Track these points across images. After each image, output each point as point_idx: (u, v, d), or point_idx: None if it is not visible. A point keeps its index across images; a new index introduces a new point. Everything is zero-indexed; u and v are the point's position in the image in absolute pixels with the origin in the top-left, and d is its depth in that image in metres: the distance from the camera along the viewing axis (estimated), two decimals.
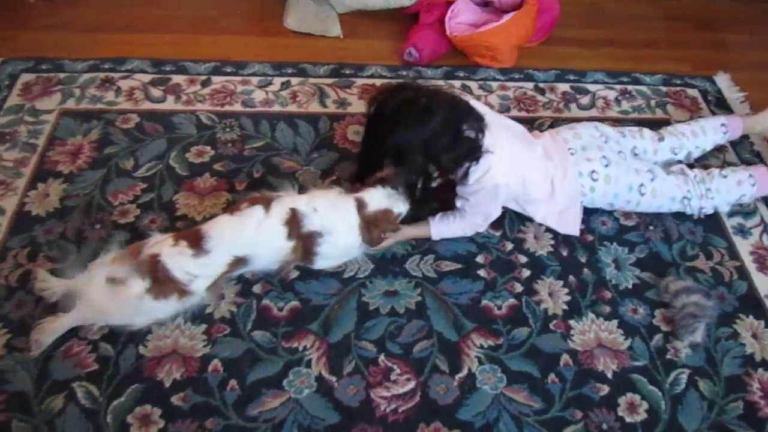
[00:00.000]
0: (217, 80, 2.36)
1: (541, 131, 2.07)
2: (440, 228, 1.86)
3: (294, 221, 1.63)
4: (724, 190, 1.98)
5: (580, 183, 1.89)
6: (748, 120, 2.21)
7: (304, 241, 1.65)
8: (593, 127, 2.02)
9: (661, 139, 2.07)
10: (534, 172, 1.85)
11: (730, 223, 2.05)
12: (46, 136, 2.09)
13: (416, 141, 1.63)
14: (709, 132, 2.12)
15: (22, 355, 1.56)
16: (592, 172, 1.88)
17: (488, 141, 1.71)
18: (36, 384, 1.53)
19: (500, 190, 1.76)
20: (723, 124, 2.14)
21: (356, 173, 1.88)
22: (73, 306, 1.59)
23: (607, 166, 1.89)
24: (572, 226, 1.93)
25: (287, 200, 1.65)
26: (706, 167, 2.08)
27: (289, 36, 2.64)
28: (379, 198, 1.73)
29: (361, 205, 1.70)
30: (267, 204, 1.63)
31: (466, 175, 1.74)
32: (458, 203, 1.84)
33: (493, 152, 1.71)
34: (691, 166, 2.06)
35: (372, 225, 1.71)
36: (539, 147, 1.90)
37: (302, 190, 1.76)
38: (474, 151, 1.70)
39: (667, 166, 2.04)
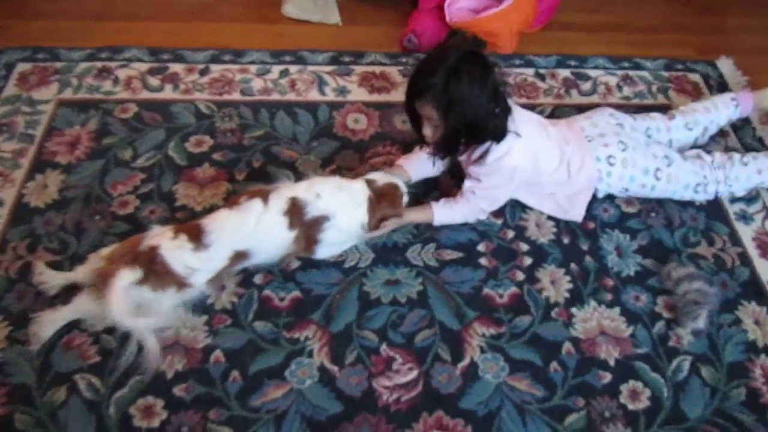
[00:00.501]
0: (216, 69, 2.34)
1: (553, 119, 2.05)
2: (443, 213, 1.86)
3: (295, 210, 1.62)
4: (744, 178, 1.98)
5: (597, 168, 1.88)
6: (758, 94, 2.18)
7: (307, 228, 1.65)
8: (608, 114, 2.01)
9: (672, 117, 2.07)
10: (548, 160, 1.84)
11: (732, 210, 2.04)
12: (43, 126, 2.07)
13: (471, 95, 1.58)
14: (720, 107, 2.11)
15: (24, 348, 1.56)
16: (609, 156, 1.87)
17: (510, 125, 1.71)
18: (38, 376, 1.52)
19: (517, 173, 1.76)
20: (733, 98, 2.13)
21: (407, 111, 1.77)
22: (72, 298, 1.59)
23: (624, 150, 1.88)
24: (578, 211, 1.92)
25: (285, 190, 1.64)
26: (726, 150, 2.08)
27: (287, 23, 2.61)
28: (384, 175, 1.78)
29: (369, 182, 1.73)
30: (265, 196, 1.62)
31: (483, 155, 1.73)
32: (467, 183, 1.83)
33: (520, 135, 1.70)
34: (709, 151, 2.05)
35: (381, 199, 1.72)
36: (555, 132, 1.88)
37: (300, 180, 1.74)
38: (499, 131, 1.69)
39: (683, 150, 2.04)
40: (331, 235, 1.69)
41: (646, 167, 1.90)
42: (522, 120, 1.76)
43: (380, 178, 1.77)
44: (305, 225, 1.64)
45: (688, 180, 1.94)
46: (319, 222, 1.65)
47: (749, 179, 1.99)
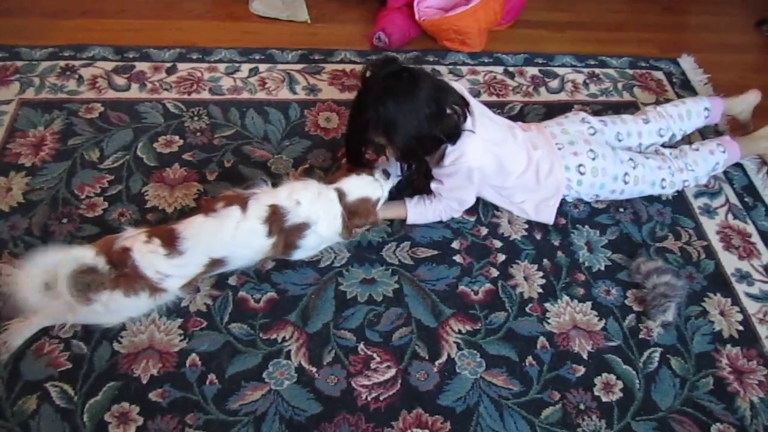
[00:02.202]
0: (183, 67, 2.31)
1: (516, 122, 2.05)
2: (417, 211, 1.86)
3: (274, 217, 1.60)
4: (701, 161, 2.04)
5: (567, 177, 1.90)
6: (728, 102, 2.23)
7: (287, 235, 1.63)
8: (579, 120, 2.03)
9: (646, 121, 2.09)
10: (514, 162, 1.85)
11: (696, 204, 2.09)
12: (5, 127, 2.01)
13: (404, 112, 1.60)
14: (693, 117, 2.15)
15: None
16: (579, 165, 1.90)
17: (469, 125, 1.71)
18: (7, 386, 1.48)
19: (474, 174, 1.77)
20: (706, 108, 2.17)
21: (346, 153, 1.85)
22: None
23: (594, 159, 1.91)
24: (547, 215, 1.94)
25: (264, 197, 1.63)
26: (674, 146, 2.12)
27: (255, 21, 2.59)
28: (357, 186, 1.73)
29: (341, 195, 1.70)
30: (243, 203, 1.60)
31: (442, 157, 1.74)
32: (433, 186, 1.84)
33: (474, 132, 1.71)
34: (663, 144, 2.10)
35: (352, 214, 1.71)
36: (523, 137, 1.90)
37: (275, 182, 1.73)
38: (454, 132, 1.69)
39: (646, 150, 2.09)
40: (311, 241, 1.68)
41: (615, 174, 1.93)
42: (483, 123, 1.76)
43: (354, 189, 1.72)
44: (285, 231, 1.63)
45: (654, 177, 1.98)
46: (300, 229, 1.64)
47: (706, 161, 2.05)
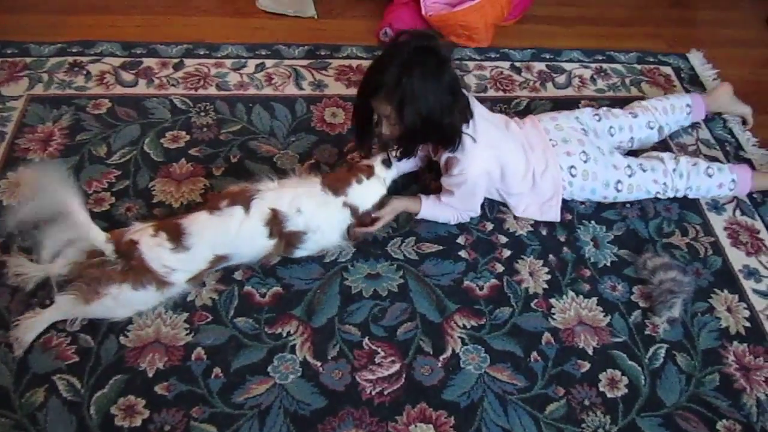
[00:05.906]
0: (190, 63, 2.32)
1: (521, 117, 2.03)
2: (431, 209, 1.86)
3: (275, 221, 1.62)
4: (704, 189, 2.01)
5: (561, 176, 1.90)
6: (707, 99, 2.23)
7: (287, 238, 1.65)
8: (574, 118, 2.01)
9: (635, 115, 2.08)
10: (515, 165, 1.85)
11: (704, 200, 2.08)
12: (14, 123, 2.03)
13: (425, 89, 1.56)
14: (676, 111, 2.15)
15: (0, 349, 1.53)
16: (571, 167, 1.89)
17: (470, 130, 1.71)
18: (15, 378, 1.50)
19: (482, 180, 1.78)
20: (688, 105, 2.17)
21: (354, 120, 1.79)
22: (51, 297, 1.56)
23: (586, 161, 1.90)
24: (553, 215, 1.93)
25: (268, 198, 1.63)
26: (690, 154, 2.12)
27: (262, 16, 2.59)
28: (366, 195, 1.74)
29: (354, 210, 1.72)
30: (247, 203, 1.61)
31: (449, 167, 1.75)
32: (444, 198, 1.85)
33: (476, 142, 1.71)
34: (674, 156, 2.04)
35: (362, 223, 1.74)
36: (520, 137, 1.90)
37: (281, 176, 1.74)
38: (453, 136, 1.69)
39: (644, 146, 2.10)
40: (310, 245, 1.72)
41: (606, 180, 1.92)
42: (481, 125, 1.75)
43: (363, 199, 1.74)
44: (285, 235, 1.65)
45: (649, 188, 1.97)
46: (298, 235, 1.67)
47: (709, 191, 2.02)
